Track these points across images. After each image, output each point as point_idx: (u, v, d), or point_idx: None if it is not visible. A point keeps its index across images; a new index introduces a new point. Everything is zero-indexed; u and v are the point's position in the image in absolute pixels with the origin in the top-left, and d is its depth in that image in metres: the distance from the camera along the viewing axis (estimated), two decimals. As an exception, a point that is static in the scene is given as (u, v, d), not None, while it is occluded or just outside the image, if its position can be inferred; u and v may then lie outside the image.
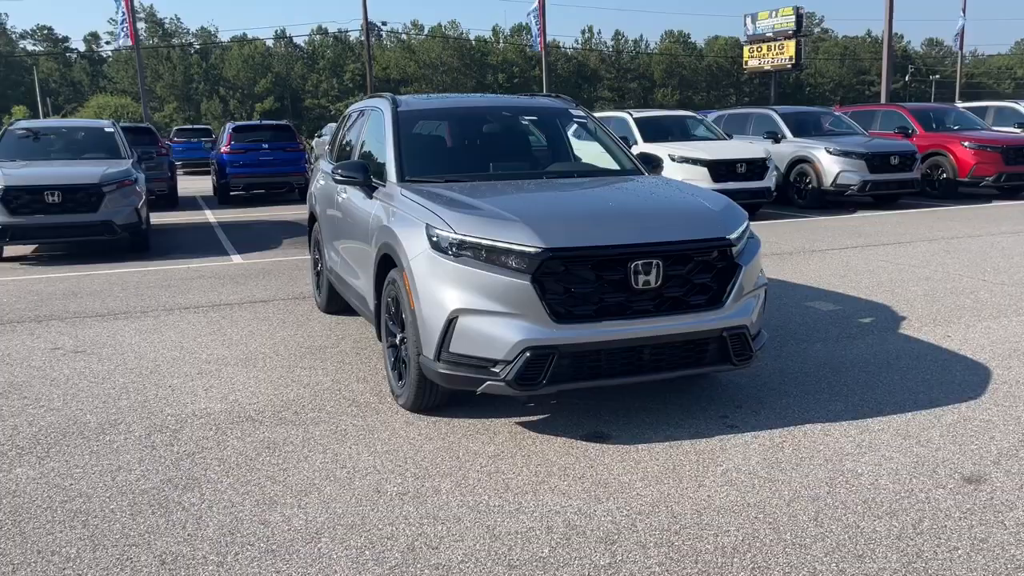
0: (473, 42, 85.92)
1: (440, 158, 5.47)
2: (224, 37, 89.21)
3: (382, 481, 3.69)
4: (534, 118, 5.94)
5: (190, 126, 37.68)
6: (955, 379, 4.99)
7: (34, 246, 11.33)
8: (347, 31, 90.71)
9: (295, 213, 15.20)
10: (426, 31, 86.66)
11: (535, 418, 4.45)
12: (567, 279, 3.94)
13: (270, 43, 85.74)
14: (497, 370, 3.93)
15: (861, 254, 9.54)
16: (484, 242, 3.98)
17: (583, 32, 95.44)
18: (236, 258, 10.43)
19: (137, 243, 10.71)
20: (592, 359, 4.02)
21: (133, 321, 6.92)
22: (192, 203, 18.40)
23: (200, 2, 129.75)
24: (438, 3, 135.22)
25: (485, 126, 5.76)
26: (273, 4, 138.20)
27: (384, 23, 74.11)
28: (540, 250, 3.89)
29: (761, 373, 5.16)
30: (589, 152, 5.82)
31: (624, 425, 4.33)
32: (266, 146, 17.22)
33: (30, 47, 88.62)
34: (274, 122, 19.77)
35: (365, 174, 5.09)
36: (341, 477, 3.74)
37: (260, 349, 5.94)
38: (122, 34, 32.01)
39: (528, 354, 3.86)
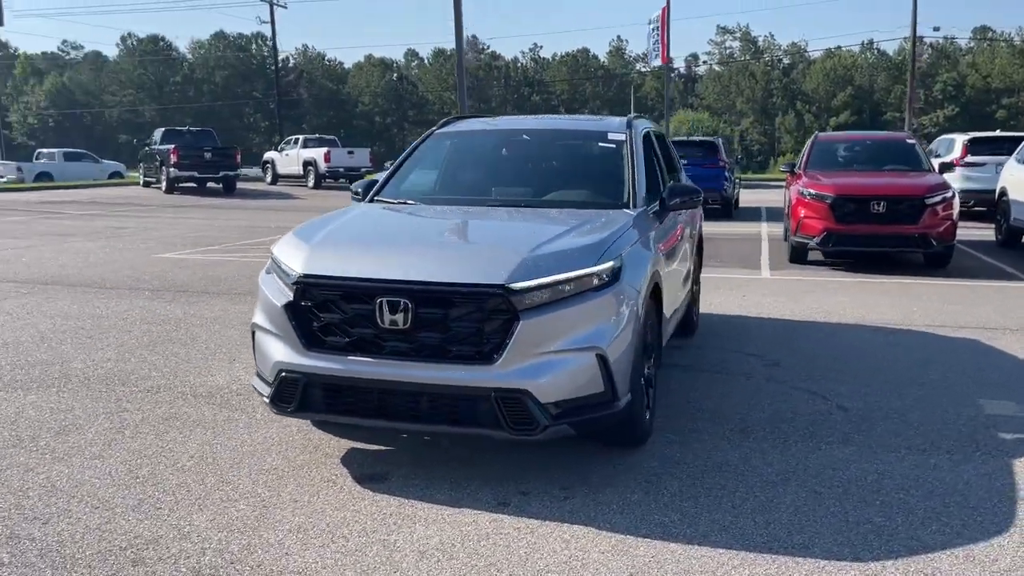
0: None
1: (438, 180, 5.50)
2: (812, 51, 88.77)
3: (113, 469, 4.06)
4: (569, 143, 5.58)
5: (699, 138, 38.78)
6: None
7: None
8: (953, 37, 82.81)
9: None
10: (1045, 32, 74.52)
11: (365, 446, 4.41)
12: (321, 307, 3.88)
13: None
14: (269, 388, 4.06)
15: None
16: (276, 262, 4.14)
17: None
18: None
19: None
20: (345, 393, 3.88)
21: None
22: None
23: (793, 18, 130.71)
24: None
25: (503, 150, 5.60)
26: (868, 12, 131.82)
27: (935, 29, 64.98)
28: (296, 275, 3.92)
29: (712, 463, 4.20)
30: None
31: (423, 473, 4.03)
32: (685, 162, 17.45)
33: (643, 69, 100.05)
34: (701, 139, 19.93)
35: (365, 191, 5.43)
36: (102, 456, 4.21)
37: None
38: (654, 54, 34.77)
39: (282, 376, 3.93)
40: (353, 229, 4.52)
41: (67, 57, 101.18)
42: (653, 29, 34.50)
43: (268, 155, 33.82)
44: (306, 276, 3.88)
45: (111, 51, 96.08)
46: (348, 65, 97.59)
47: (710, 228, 15.63)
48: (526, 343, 3.64)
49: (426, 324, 3.71)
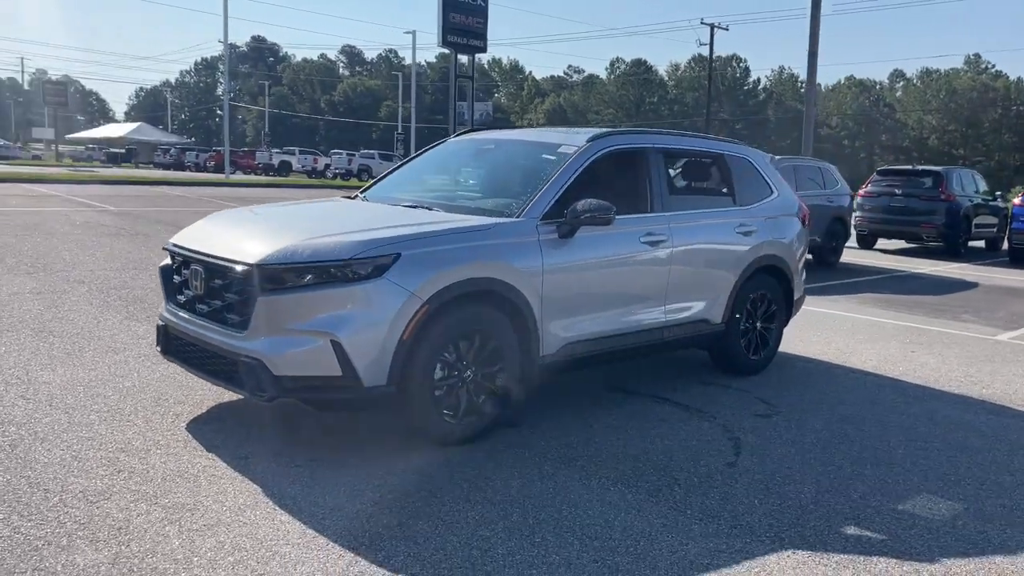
0: None
1: (409, 182, 5.93)
2: None
3: (76, 376, 5.33)
4: (521, 153, 5.63)
5: None
6: None
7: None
8: None
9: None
10: None
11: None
12: (176, 270, 4.76)
13: None
14: None
15: None
16: None
17: None
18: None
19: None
20: (178, 343, 4.68)
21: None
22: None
23: None
24: None
25: (469, 160, 5.85)
26: None
27: None
28: (168, 243, 4.87)
29: (463, 476, 4.25)
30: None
31: (252, 427, 4.70)
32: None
33: None
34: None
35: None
36: (89, 366, 5.57)
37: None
38: None
39: (157, 323, 4.93)
40: (254, 215, 5.28)
41: (570, 80, 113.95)
42: None
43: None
44: (172, 244, 4.82)
45: (604, 74, 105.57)
46: (825, 86, 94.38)
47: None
48: (268, 319, 4.12)
49: (212, 292, 4.40)
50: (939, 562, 3.46)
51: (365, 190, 5.97)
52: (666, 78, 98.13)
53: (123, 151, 63.03)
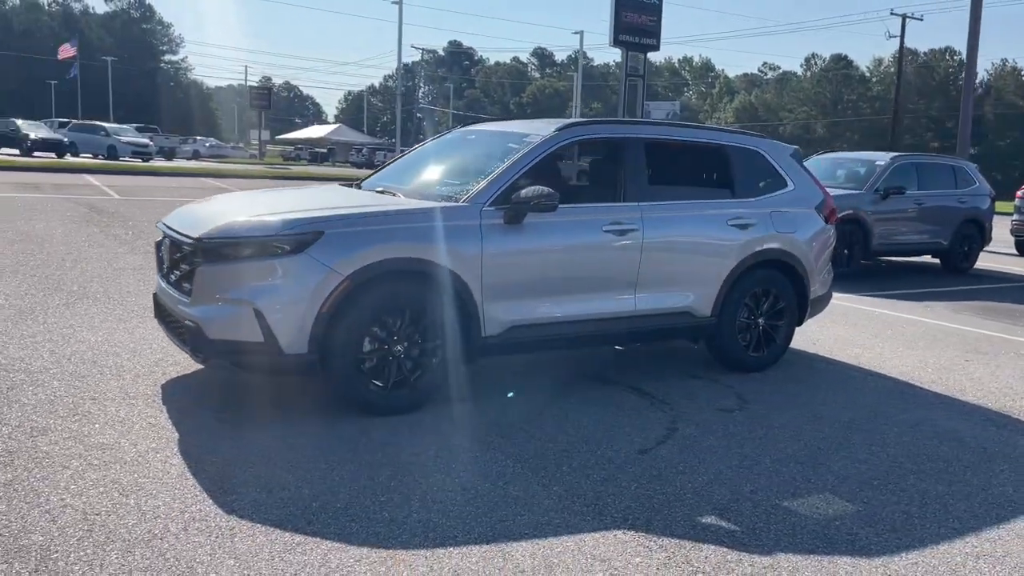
0: None
1: (405, 171, 6.15)
2: None
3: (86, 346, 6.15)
4: (494, 142, 5.73)
5: None
6: None
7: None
8: None
9: None
10: None
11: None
12: (160, 244, 5.35)
13: None
14: None
15: None
16: None
17: None
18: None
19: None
20: (160, 311, 5.25)
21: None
22: None
23: None
24: None
25: (453, 149, 6.04)
26: None
27: None
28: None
29: (345, 434, 4.54)
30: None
31: (240, 387, 5.24)
32: None
33: None
34: None
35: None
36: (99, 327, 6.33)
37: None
38: None
39: (153, 292, 5.55)
40: (235, 197, 5.76)
41: (764, 77, 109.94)
42: None
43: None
44: (161, 221, 5.39)
45: (800, 71, 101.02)
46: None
47: None
48: (205, 287, 4.58)
49: (174, 263, 4.92)
50: (772, 555, 3.34)
51: (366, 177, 6.34)
52: (867, 74, 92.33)
53: (325, 151, 67.80)
